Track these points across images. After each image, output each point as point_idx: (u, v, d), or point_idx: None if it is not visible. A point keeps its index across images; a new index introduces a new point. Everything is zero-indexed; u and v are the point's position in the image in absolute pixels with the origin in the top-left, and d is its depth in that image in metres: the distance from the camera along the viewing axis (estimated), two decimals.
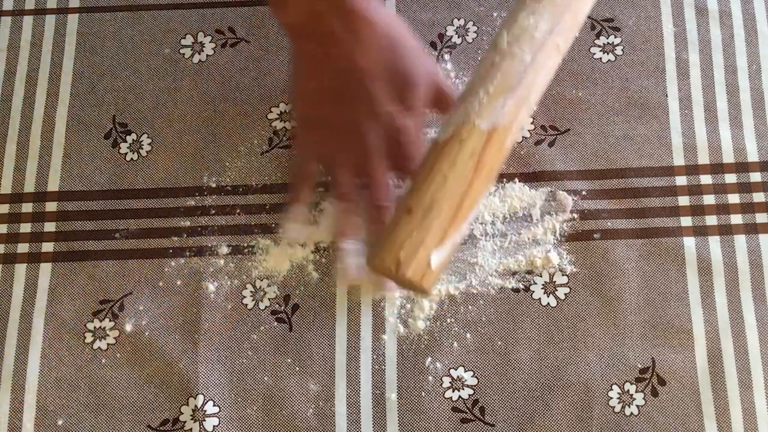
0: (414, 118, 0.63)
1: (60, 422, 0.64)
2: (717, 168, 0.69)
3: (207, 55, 0.73)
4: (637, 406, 0.63)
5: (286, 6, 0.61)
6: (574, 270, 0.66)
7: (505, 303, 0.66)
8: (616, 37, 0.73)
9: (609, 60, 0.72)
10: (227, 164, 0.70)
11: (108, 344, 0.66)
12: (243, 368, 0.65)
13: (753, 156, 0.69)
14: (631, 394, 0.63)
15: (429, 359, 0.65)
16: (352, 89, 0.61)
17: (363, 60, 0.61)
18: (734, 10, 0.73)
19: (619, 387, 0.63)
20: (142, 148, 0.71)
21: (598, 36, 0.73)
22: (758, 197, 0.68)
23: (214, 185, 0.69)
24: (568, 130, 0.70)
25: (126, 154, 0.71)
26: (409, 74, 0.62)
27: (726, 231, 0.67)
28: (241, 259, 0.68)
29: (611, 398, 0.63)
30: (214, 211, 0.69)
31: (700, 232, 0.67)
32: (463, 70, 0.72)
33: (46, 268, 0.68)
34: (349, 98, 0.62)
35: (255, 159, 0.70)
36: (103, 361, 0.65)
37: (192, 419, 0.64)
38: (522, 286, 0.66)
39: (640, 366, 0.64)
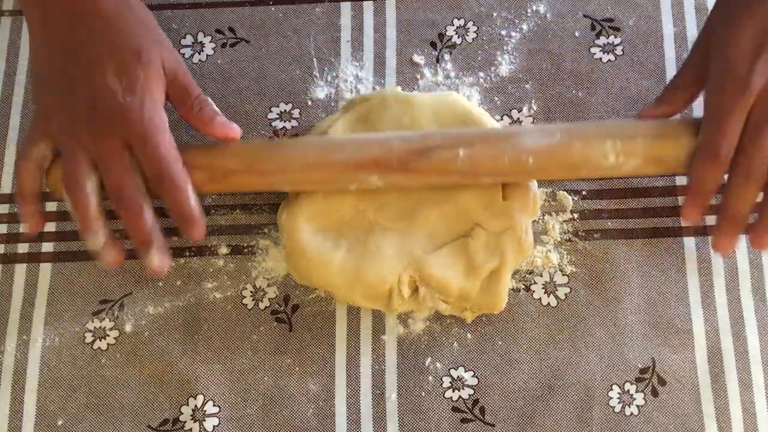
0: (139, 95, 0.59)
1: (60, 422, 0.64)
2: None
3: (207, 55, 0.73)
4: (637, 406, 0.63)
5: None
6: (574, 270, 0.66)
7: None
8: (616, 37, 0.72)
9: (609, 60, 0.72)
10: None
11: (108, 344, 0.66)
12: (243, 368, 0.65)
13: None
14: (631, 394, 0.63)
15: (429, 359, 0.65)
16: (82, 65, 0.59)
17: (87, 35, 0.60)
18: None
19: (619, 387, 0.63)
20: None
21: (598, 36, 0.73)
22: (758, 197, 0.67)
23: None
24: None
25: None
26: (139, 51, 0.59)
27: None
28: (241, 259, 0.67)
29: (611, 398, 0.63)
30: (214, 211, 0.69)
31: (700, 232, 0.67)
32: (463, 70, 0.72)
33: (46, 268, 0.68)
34: (81, 74, 0.59)
35: None
36: (103, 361, 0.65)
37: (192, 419, 0.64)
38: (522, 286, 0.66)
39: (640, 366, 0.64)
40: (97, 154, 0.58)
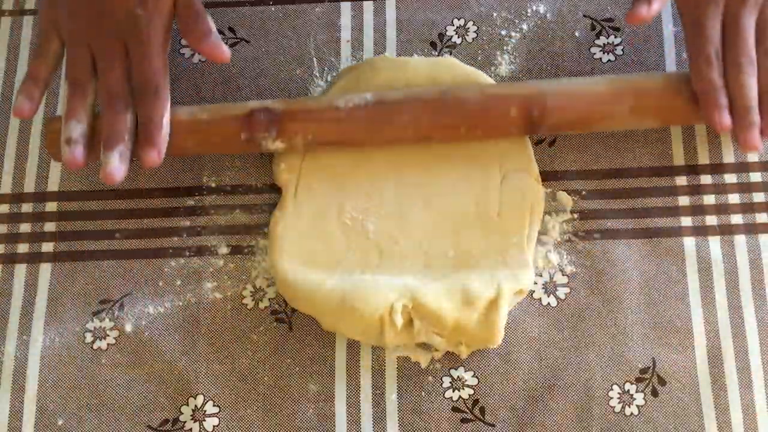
0: (150, 11, 0.63)
1: (60, 422, 0.64)
2: (717, 168, 0.68)
3: None
4: (637, 406, 0.63)
5: None
6: (574, 270, 0.66)
7: None
8: (616, 37, 0.73)
9: (609, 60, 0.72)
10: (227, 164, 0.70)
11: (108, 344, 0.66)
12: (243, 368, 0.65)
13: (753, 156, 0.69)
14: (631, 394, 0.63)
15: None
16: None
17: None
18: None
19: (619, 387, 0.63)
20: None
21: (598, 36, 0.73)
22: (758, 197, 0.68)
23: (214, 185, 0.70)
24: None
25: None
26: None
27: (726, 231, 0.67)
28: (241, 259, 0.68)
29: (611, 398, 0.63)
30: (213, 211, 0.69)
31: (700, 232, 0.67)
32: None
33: (46, 268, 0.68)
34: None
35: (255, 159, 0.70)
36: (103, 361, 0.65)
37: (192, 419, 0.64)
38: None
39: (640, 366, 0.64)
40: (98, 51, 0.64)
